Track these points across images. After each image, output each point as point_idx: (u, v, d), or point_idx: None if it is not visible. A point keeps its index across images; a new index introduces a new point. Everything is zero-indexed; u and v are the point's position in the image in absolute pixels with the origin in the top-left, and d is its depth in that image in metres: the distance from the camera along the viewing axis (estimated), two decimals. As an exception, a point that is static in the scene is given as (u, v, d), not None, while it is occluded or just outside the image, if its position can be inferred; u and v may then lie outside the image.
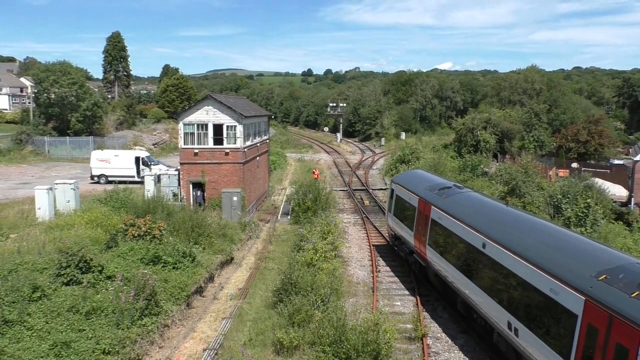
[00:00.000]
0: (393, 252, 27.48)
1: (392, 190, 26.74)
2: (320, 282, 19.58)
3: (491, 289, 15.54)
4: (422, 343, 17.09)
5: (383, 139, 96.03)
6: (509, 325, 14.37)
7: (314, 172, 48.92)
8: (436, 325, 18.85)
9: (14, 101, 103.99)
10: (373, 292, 21.89)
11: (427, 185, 22.92)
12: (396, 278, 23.89)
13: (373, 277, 23.74)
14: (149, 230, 22.82)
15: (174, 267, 21.31)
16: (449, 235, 19.03)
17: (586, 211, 28.73)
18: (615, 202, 38.82)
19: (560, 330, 12.14)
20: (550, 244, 13.95)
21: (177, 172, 35.02)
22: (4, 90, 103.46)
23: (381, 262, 26.22)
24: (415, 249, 22.80)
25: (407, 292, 22.09)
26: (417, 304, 20.52)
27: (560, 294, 12.11)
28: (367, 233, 31.64)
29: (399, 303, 20.97)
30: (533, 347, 13.19)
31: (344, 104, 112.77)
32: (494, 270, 15.37)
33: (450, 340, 17.65)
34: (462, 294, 17.98)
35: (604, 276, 11.41)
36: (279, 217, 37.37)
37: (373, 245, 28.84)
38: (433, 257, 20.50)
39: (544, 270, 12.86)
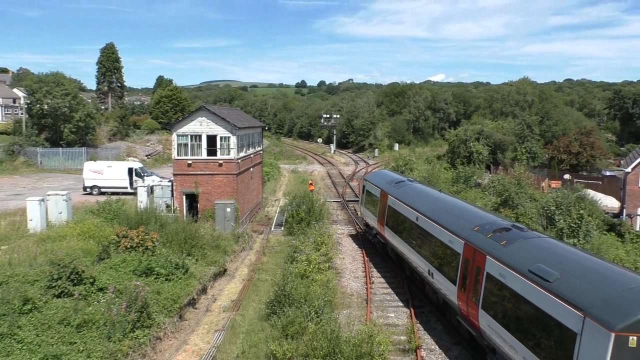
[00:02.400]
0: (387, 264, 27.48)
1: (364, 186, 32.49)
2: (314, 294, 19.49)
3: (421, 249, 21.18)
4: (416, 355, 17.03)
5: (377, 150, 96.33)
6: (429, 272, 20.04)
7: (310, 184, 48.86)
8: (430, 337, 18.79)
9: (6, 112, 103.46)
10: (367, 303, 21.82)
11: (388, 180, 28.66)
12: (390, 289, 23.84)
13: (367, 288, 23.69)
14: (141, 242, 22.70)
15: (166, 279, 21.18)
16: (398, 215, 24.62)
17: (579, 222, 28.84)
18: (607, 213, 39.01)
19: (452, 265, 17.96)
20: (454, 213, 20.01)
21: (170, 183, 34.93)
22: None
23: (375, 274, 26.18)
24: (378, 230, 28.11)
25: (401, 304, 22.05)
26: (411, 316, 20.47)
27: (454, 242, 17.97)
28: (361, 244, 31.59)
29: (392, 315, 20.92)
30: (439, 282, 19.06)
31: (338, 116, 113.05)
32: (422, 235, 21.09)
33: (443, 353, 17.60)
34: (407, 260, 23.35)
35: (477, 228, 17.25)
36: (272, 229, 37.28)
37: (367, 256, 28.79)
38: (389, 235, 25.91)
39: (447, 229, 18.69)
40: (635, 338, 10.21)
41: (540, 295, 12.57)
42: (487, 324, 15.05)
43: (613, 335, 10.23)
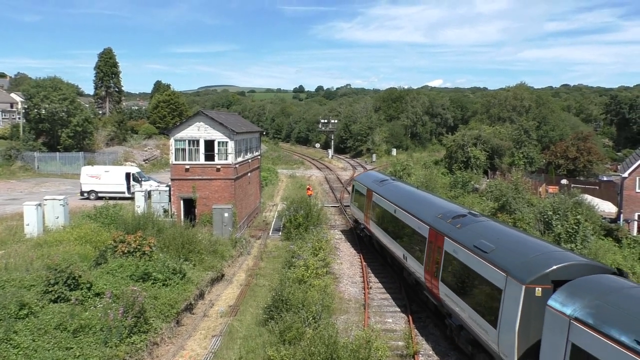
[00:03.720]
0: (385, 269, 27.45)
1: (353, 186, 35.67)
2: (312, 299, 19.47)
3: (398, 238, 24.02)
4: (414, 360, 16.99)
5: (374, 155, 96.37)
6: (404, 257, 22.80)
7: (308, 189, 48.81)
8: (427, 342, 18.76)
9: (3, 117, 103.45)
10: (364, 308, 21.79)
11: (373, 179, 31.92)
12: (388, 295, 23.81)
13: (365, 293, 23.66)
14: (139, 247, 22.63)
15: (163, 284, 21.12)
16: (381, 210, 27.48)
17: (576, 227, 28.89)
18: (604, 218, 39.10)
19: (420, 248, 20.84)
20: (424, 204, 22.96)
21: (167, 188, 34.88)
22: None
23: (373, 279, 26.14)
24: (365, 225, 31.05)
25: (398, 309, 22.02)
26: (408, 321, 20.43)
27: (421, 228, 20.96)
28: (358, 249, 31.56)
29: (390, 320, 20.88)
30: (411, 264, 21.91)
31: (336, 121, 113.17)
32: (399, 225, 24.06)
33: (441, 359, 17.56)
34: (388, 249, 25.98)
35: (440, 215, 20.23)
36: (270, 233, 37.24)
37: (364, 261, 28.76)
38: (373, 228, 28.64)
39: (417, 218, 21.66)
40: (540, 289, 13.22)
41: (480, 264, 15.67)
42: (445, 293, 18.05)
43: (524, 287, 13.32)
